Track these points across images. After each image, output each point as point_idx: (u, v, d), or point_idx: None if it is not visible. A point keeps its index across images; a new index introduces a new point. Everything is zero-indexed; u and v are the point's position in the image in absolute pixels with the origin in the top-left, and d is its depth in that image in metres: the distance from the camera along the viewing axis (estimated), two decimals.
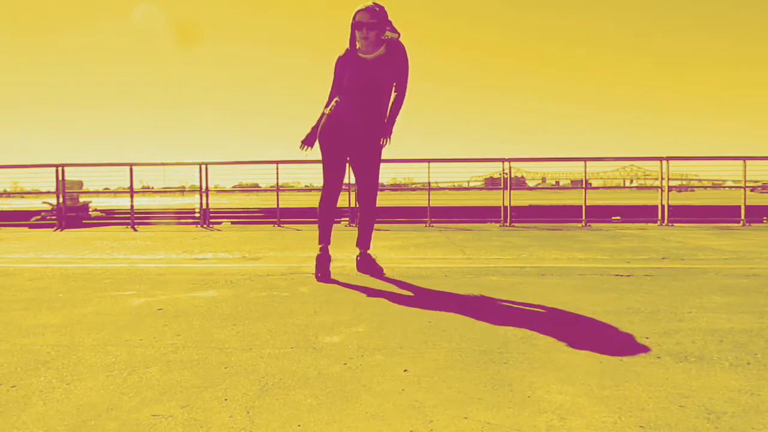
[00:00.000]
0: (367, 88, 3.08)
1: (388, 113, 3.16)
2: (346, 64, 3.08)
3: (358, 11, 2.96)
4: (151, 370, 1.54)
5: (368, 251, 3.34)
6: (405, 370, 1.51)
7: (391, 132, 3.16)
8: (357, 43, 3.05)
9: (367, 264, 3.30)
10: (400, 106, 3.18)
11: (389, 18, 3.03)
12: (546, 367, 1.52)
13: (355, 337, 1.85)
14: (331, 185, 3.22)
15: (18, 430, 1.16)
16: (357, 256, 3.35)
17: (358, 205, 3.32)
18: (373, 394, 1.34)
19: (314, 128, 3.22)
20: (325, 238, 3.19)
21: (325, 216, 3.24)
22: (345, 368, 1.54)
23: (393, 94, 3.17)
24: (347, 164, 3.31)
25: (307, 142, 3.25)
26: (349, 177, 7.75)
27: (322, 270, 3.08)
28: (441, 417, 1.21)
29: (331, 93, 3.19)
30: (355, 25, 2.98)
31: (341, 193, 3.36)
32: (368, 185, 3.26)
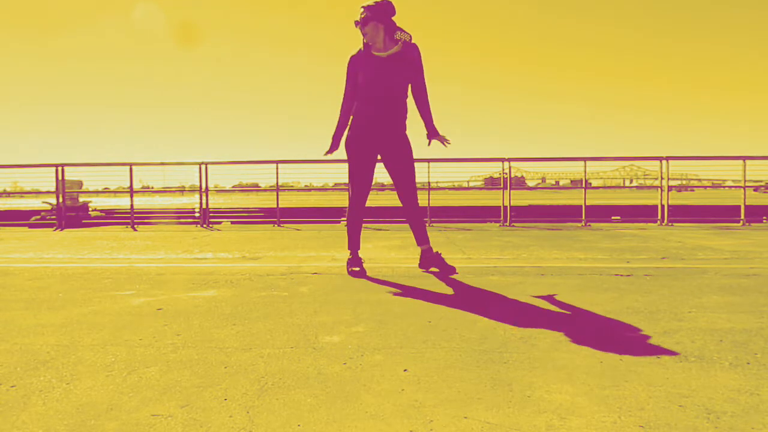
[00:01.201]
0: (385, 88, 3.12)
1: (427, 118, 3.25)
2: (359, 63, 3.10)
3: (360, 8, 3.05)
4: (151, 369, 1.54)
5: (429, 246, 3.31)
6: (405, 370, 1.51)
7: (438, 132, 3.27)
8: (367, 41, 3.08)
9: (430, 260, 3.29)
10: (429, 106, 3.26)
11: (394, 18, 3.05)
12: (546, 367, 1.52)
13: (355, 337, 1.85)
14: (362, 192, 3.23)
15: (18, 430, 1.16)
16: (420, 255, 3.36)
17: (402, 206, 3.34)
18: (373, 394, 1.34)
19: (335, 136, 3.24)
20: (356, 245, 3.29)
21: (357, 223, 3.30)
22: (345, 368, 1.54)
23: (410, 96, 3.24)
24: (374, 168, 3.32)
25: (332, 149, 3.27)
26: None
27: (359, 265, 3.19)
28: (441, 417, 1.21)
29: (345, 93, 3.18)
30: (356, 24, 3.03)
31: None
32: (410, 185, 3.27)
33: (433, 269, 3.31)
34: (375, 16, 3.01)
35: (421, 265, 3.35)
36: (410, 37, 3.08)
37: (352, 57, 3.12)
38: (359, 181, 3.22)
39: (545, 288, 2.70)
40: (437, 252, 3.30)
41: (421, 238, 3.30)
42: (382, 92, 3.12)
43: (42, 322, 2.10)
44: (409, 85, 3.19)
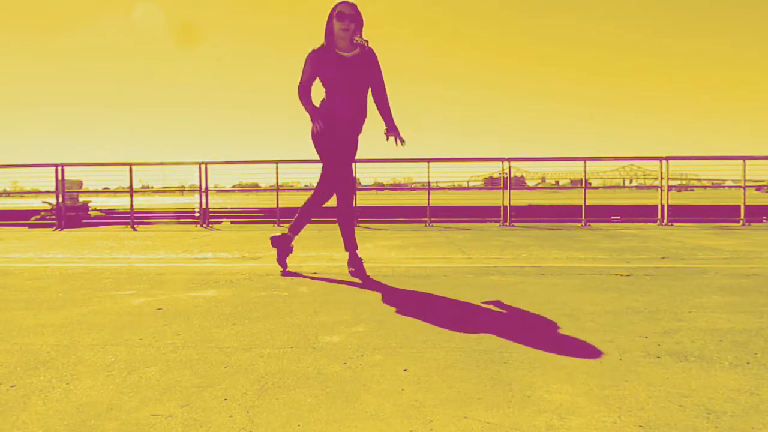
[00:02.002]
0: (350, 86, 3.15)
1: (388, 116, 3.24)
2: (325, 61, 3.10)
3: (340, 3, 3.04)
4: (151, 369, 1.54)
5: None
6: (405, 370, 1.51)
7: (398, 130, 3.25)
8: (335, 38, 3.08)
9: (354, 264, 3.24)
10: (389, 104, 3.27)
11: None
12: (546, 367, 1.52)
13: (355, 337, 1.85)
14: (351, 190, 3.23)
15: (18, 430, 1.16)
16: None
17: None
18: (372, 394, 1.34)
19: (316, 116, 3.13)
20: (355, 244, 3.26)
21: (352, 222, 3.29)
22: (345, 368, 1.54)
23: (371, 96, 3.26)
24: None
25: (321, 126, 3.14)
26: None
27: (356, 266, 3.17)
28: (441, 417, 1.21)
29: (304, 85, 3.15)
30: (338, 16, 3.03)
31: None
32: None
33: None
34: (359, 18, 3.07)
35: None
36: (367, 42, 3.15)
37: (316, 52, 3.10)
38: (347, 179, 3.22)
39: (545, 288, 2.70)
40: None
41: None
42: (347, 89, 3.14)
43: (42, 322, 2.10)
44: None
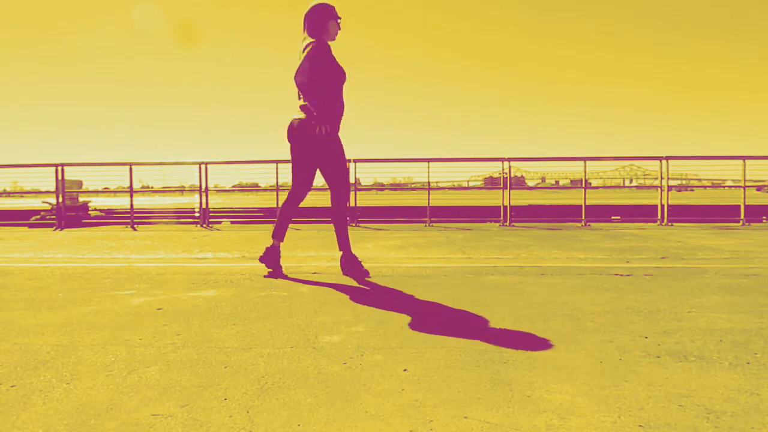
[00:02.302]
0: (341, 87, 3.17)
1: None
2: (333, 59, 3.09)
3: (331, 6, 3.09)
4: (151, 369, 1.54)
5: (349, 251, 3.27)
6: (405, 370, 1.51)
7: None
8: (330, 38, 3.11)
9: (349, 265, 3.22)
10: None
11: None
12: (546, 367, 1.52)
13: (354, 337, 1.85)
14: (349, 188, 3.26)
15: (18, 430, 1.16)
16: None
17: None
18: (372, 394, 1.34)
19: (323, 116, 3.04)
20: (348, 243, 3.24)
21: (346, 221, 3.26)
22: (345, 368, 1.54)
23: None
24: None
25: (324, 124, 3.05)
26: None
27: (355, 266, 3.16)
28: (441, 417, 1.21)
29: (322, 77, 3.02)
30: (335, 18, 3.09)
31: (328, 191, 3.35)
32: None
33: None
34: None
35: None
36: None
37: (328, 45, 3.09)
38: (341, 178, 3.22)
39: (545, 288, 2.70)
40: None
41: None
42: (340, 90, 3.15)
43: (42, 322, 2.10)
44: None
